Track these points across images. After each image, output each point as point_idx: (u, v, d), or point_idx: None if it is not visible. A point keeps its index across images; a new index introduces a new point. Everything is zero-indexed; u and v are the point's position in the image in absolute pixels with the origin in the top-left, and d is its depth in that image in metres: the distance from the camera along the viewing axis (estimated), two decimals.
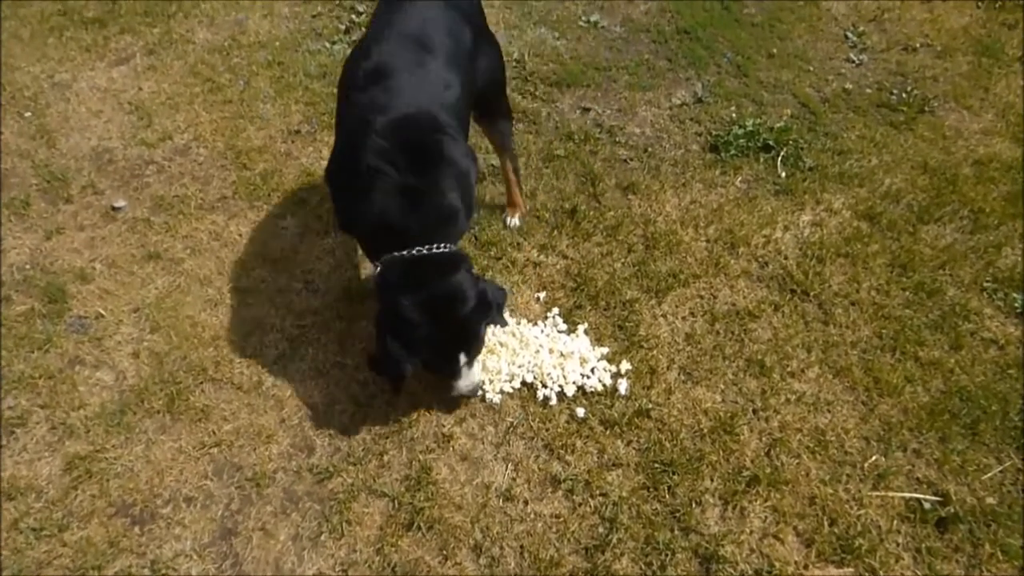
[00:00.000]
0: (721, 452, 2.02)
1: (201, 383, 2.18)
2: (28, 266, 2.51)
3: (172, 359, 2.24)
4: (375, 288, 1.99)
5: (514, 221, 2.64)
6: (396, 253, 1.88)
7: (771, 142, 2.95)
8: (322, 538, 1.87)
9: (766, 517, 1.89)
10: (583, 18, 3.70)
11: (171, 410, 2.12)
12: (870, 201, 2.74)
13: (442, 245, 1.89)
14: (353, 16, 3.72)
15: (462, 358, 1.94)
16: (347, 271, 2.51)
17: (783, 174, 2.86)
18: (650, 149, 3.01)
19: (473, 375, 2.02)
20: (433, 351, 1.91)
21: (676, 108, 3.21)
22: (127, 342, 2.29)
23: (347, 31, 3.63)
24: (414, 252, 1.87)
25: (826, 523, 1.88)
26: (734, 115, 3.14)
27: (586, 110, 3.19)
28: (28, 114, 3.11)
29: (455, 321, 1.89)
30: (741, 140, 2.96)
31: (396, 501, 1.93)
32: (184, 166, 2.88)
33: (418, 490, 1.94)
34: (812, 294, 2.42)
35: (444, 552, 1.84)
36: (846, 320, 2.35)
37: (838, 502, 1.91)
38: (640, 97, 3.26)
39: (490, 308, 1.95)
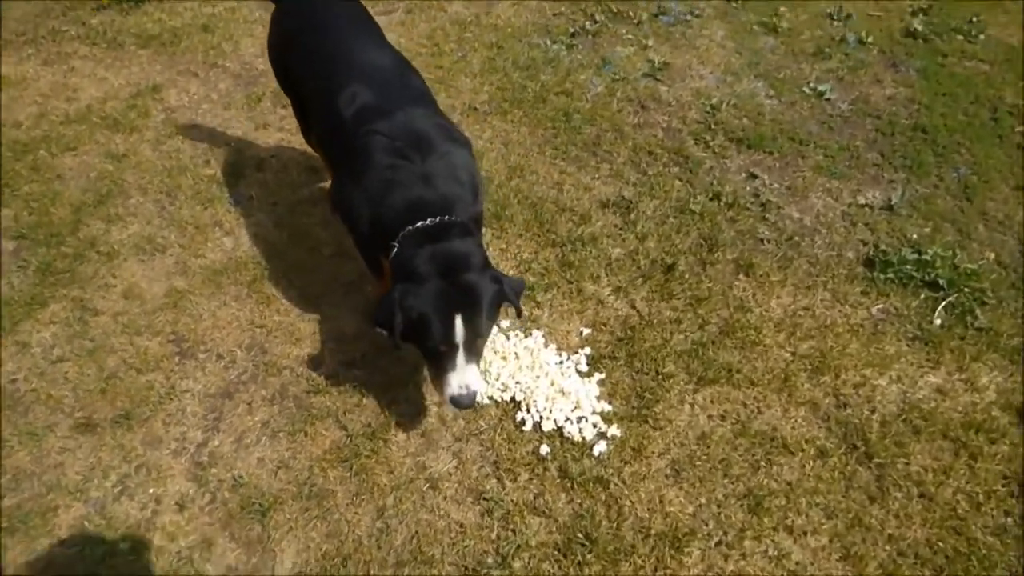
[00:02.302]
0: (653, 560, 1.81)
1: (281, 277, 2.56)
2: (232, 143, 3.15)
3: (275, 249, 2.66)
4: (392, 263, 1.96)
5: None
6: (411, 226, 1.90)
7: (944, 281, 2.43)
8: (280, 435, 2.11)
9: None
10: (810, 84, 3.37)
11: (250, 287, 2.53)
12: None
13: (453, 217, 1.92)
14: (587, 23, 3.87)
15: (458, 330, 1.81)
16: None
17: (938, 322, 2.35)
18: (796, 239, 2.68)
19: (469, 376, 1.85)
20: (432, 307, 1.81)
21: (856, 207, 2.80)
22: (256, 224, 2.77)
23: (574, 35, 3.79)
24: (429, 222, 1.89)
25: None
26: (920, 237, 2.64)
27: (753, 176, 2.94)
28: None
29: (459, 282, 1.84)
30: (907, 266, 2.49)
31: (350, 438, 2.09)
32: None
33: (370, 439, 2.08)
34: (877, 461, 1.99)
35: (355, 498, 1.96)
36: (901, 508, 1.89)
37: None
38: (822, 183, 2.91)
39: (497, 283, 1.87)
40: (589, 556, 1.81)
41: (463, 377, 1.85)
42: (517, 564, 1.81)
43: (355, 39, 2.22)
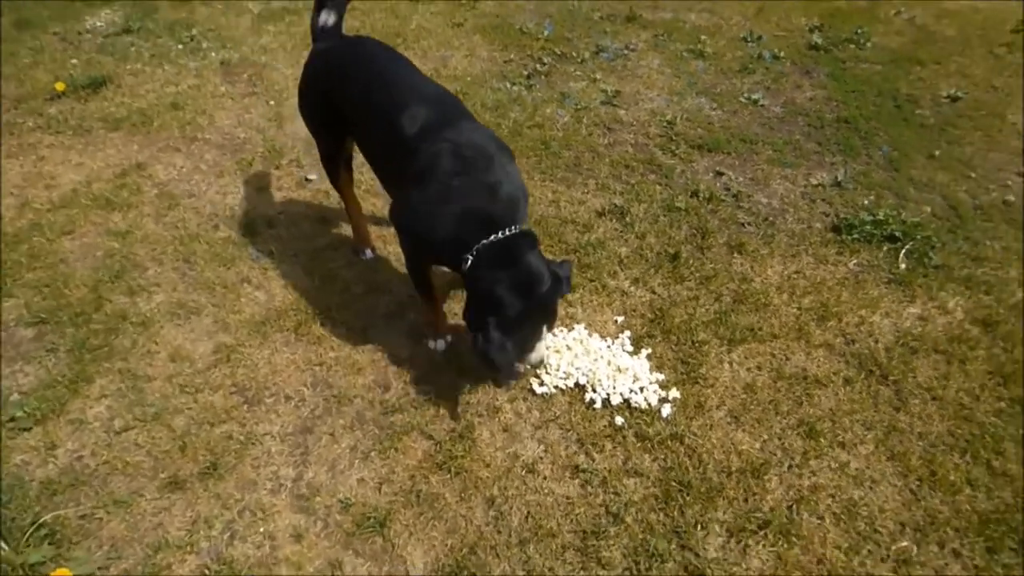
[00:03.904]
0: (742, 491, 2.06)
1: (324, 318, 2.68)
2: (236, 207, 3.25)
3: (309, 294, 2.78)
4: (468, 276, 2.17)
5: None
6: (484, 241, 2.12)
7: (899, 234, 2.91)
8: (372, 455, 2.22)
9: (767, 560, 1.90)
10: (745, 95, 3.91)
11: (296, 331, 2.63)
12: (991, 309, 2.60)
13: (515, 227, 2.15)
14: (537, 66, 4.28)
15: (544, 332, 2.18)
16: None
17: (903, 266, 2.81)
18: (771, 219, 3.11)
19: (541, 349, 2.24)
20: (526, 327, 2.14)
21: (811, 188, 3.28)
22: (283, 275, 2.88)
23: (529, 76, 4.18)
24: (499, 236, 2.13)
25: None
26: (868, 203, 3.13)
27: (719, 174, 3.38)
28: (271, 102, 4.02)
29: (540, 299, 2.12)
30: (867, 226, 2.96)
31: (439, 445, 2.23)
32: (363, 161, 3.52)
33: (459, 442, 2.23)
34: (892, 379, 2.36)
35: (463, 495, 2.09)
36: (921, 411, 2.26)
37: (849, 571, 1.87)
38: (778, 172, 3.38)
39: (560, 282, 2.19)
40: (688, 499, 2.04)
41: (538, 354, 2.26)
42: (628, 519, 2.00)
43: (403, 71, 2.45)
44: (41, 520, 2.04)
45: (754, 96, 3.87)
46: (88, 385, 2.45)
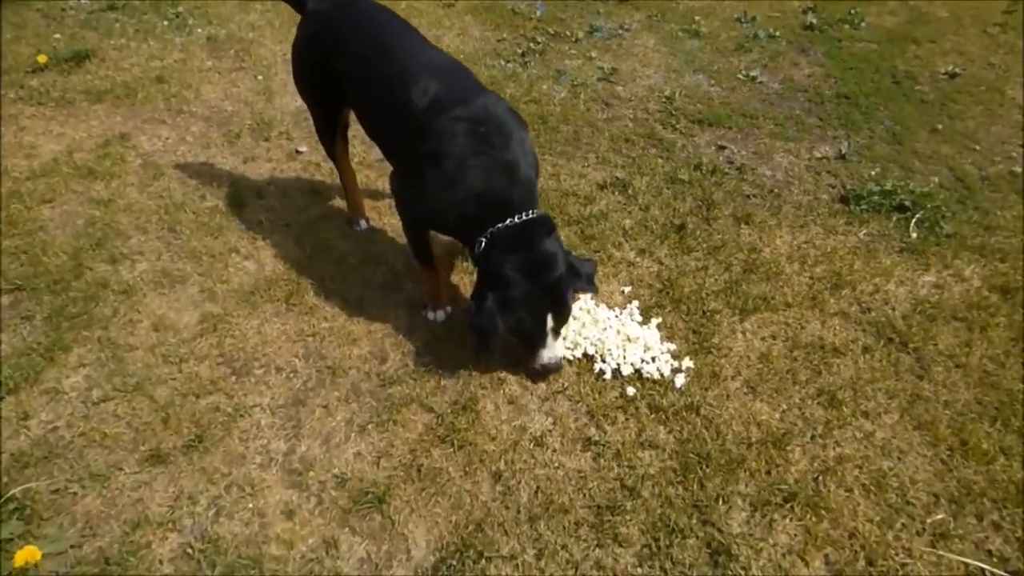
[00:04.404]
0: (764, 463, 1.95)
1: (317, 288, 2.54)
2: (224, 177, 3.10)
3: (301, 265, 2.64)
4: (480, 258, 2.10)
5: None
6: (500, 224, 2.03)
7: (908, 203, 2.83)
8: (369, 428, 2.08)
9: (795, 535, 1.79)
10: (743, 72, 3.83)
11: (287, 301, 2.49)
12: (1008, 276, 2.53)
13: (531, 211, 2.07)
14: (531, 44, 4.18)
15: (549, 321, 2.07)
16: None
17: (914, 234, 2.73)
18: (776, 190, 3.02)
19: (557, 347, 2.15)
20: (526, 311, 2.04)
21: (815, 160, 3.20)
22: (273, 245, 2.73)
23: (523, 55, 4.07)
24: (516, 220, 2.03)
25: (863, 560, 1.74)
26: (875, 175, 3.06)
27: (722, 148, 3.29)
28: (260, 77, 3.87)
29: (547, 284, 2.04)
30: (875, 196, 2.88)
31: (440, 417, 2.10)
32: (357, 131, 3.38)
33: (461, 414, 2.10)
34: (912, 346, 2.27)
35: (467, 470, 1.96)
36: (945, 379, 2.17)
37: (883, 545, 1.76)
38: (780, 145, 3.30)
39: (577, 276, 2.10)
40: (708, 471, 1.93)
41: (551, 351, 2.14)
42: (645, 493, 1.88)
43: (411, 40, 2.30)
44: (10, 493, 1.88)
45: (752, 73, 3.79)
46: (65, 354, 2.29)
